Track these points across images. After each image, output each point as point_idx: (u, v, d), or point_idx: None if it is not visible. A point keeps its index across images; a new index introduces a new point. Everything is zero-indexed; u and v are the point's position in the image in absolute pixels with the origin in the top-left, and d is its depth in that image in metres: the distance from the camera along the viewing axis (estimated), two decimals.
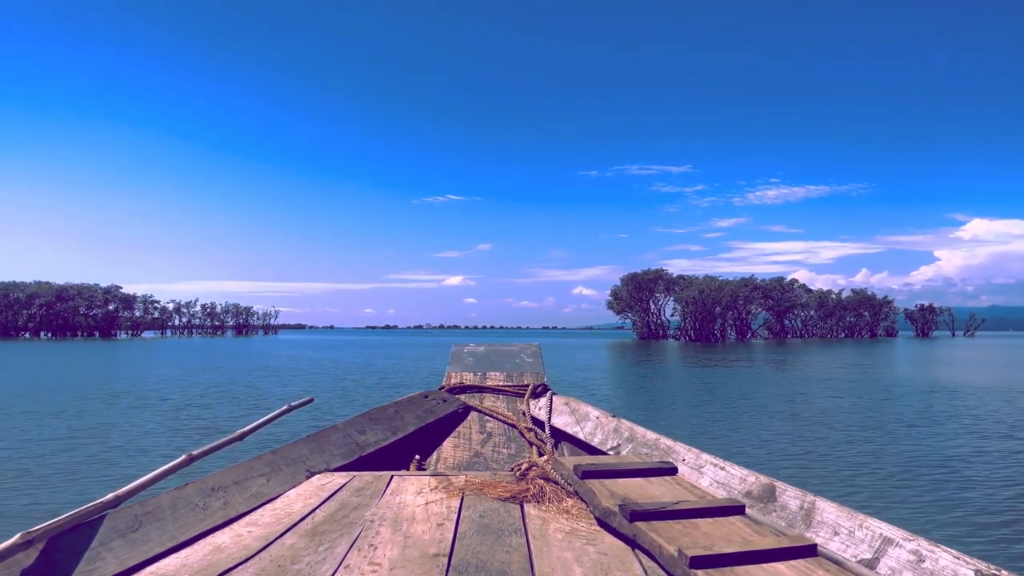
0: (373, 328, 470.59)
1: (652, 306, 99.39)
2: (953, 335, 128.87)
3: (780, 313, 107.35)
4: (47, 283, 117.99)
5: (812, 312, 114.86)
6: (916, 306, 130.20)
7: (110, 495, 1.90)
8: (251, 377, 21.41)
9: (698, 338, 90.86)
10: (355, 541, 1.68)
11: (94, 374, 23.11)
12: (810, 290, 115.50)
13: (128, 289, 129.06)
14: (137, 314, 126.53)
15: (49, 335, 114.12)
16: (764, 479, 2.06)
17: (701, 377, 21.28)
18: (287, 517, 1.94)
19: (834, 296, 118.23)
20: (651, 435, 2.70)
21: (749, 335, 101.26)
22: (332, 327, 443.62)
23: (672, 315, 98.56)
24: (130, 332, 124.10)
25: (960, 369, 26.28)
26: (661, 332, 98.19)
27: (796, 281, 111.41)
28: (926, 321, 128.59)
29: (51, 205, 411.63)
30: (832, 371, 23.99)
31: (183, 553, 1.74)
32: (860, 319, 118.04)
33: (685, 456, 2.41)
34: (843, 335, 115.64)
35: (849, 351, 46.60)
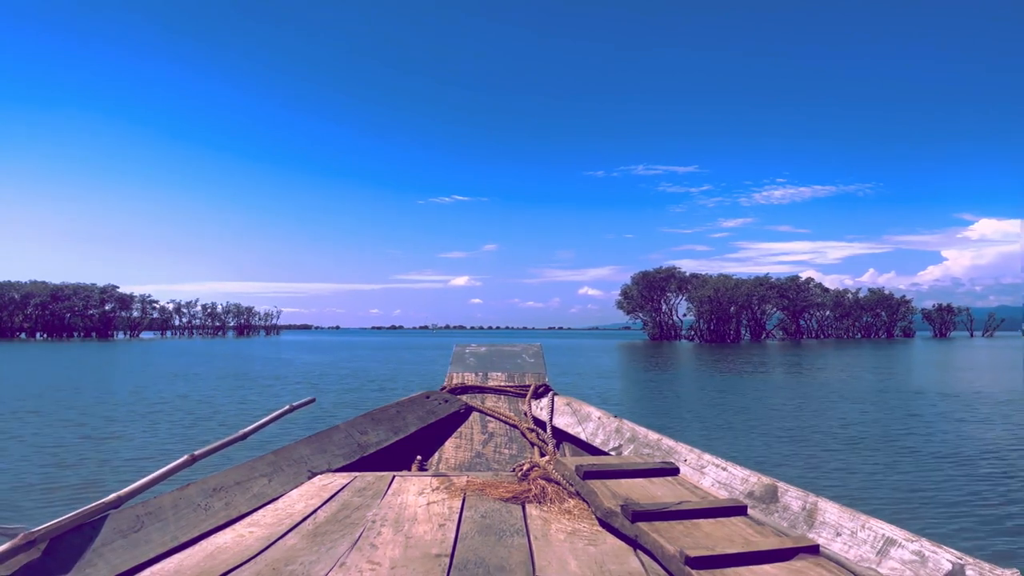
0: (379, 328, 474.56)
1: (664, 306, 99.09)
2: (972, 335, 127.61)
3: (796, 313, 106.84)
4: (42, 283, 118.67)
5: (828, 312, 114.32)
6: (934, 306, 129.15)
7: (112, 495, 1.95)
8: (213, 390, 17.67)
9: (713, 339, 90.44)
10: (357, 541, 1.70)
11: (28, 384, 19.65)
12: (827, 289, 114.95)
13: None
14: (135, 314, 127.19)
15: (44, 336, 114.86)
16: (766, 479, 2.09)
17: (751, 391, 17.80)
18: (289, 518, 1.97)
19: (851, 296, 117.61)
20: (653, 436, 2.74)
21: (764, 335, 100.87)
22: (338, 327, 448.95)
23: (685, 315, 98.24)
24: (127, 333, 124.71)
25: (1001, 374, 24.21)
26: (673, 332, 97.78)
27: (812, 280, 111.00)
28: (944, 321, 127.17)
29: (53, 205, 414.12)
30: (881, 379, 21.54)
31: (185, 553, 1.77)
32: (877, 319, 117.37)
33: (687, 457, 2.44)
34: (859, 335, 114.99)
35: (875, 353, 44.66)
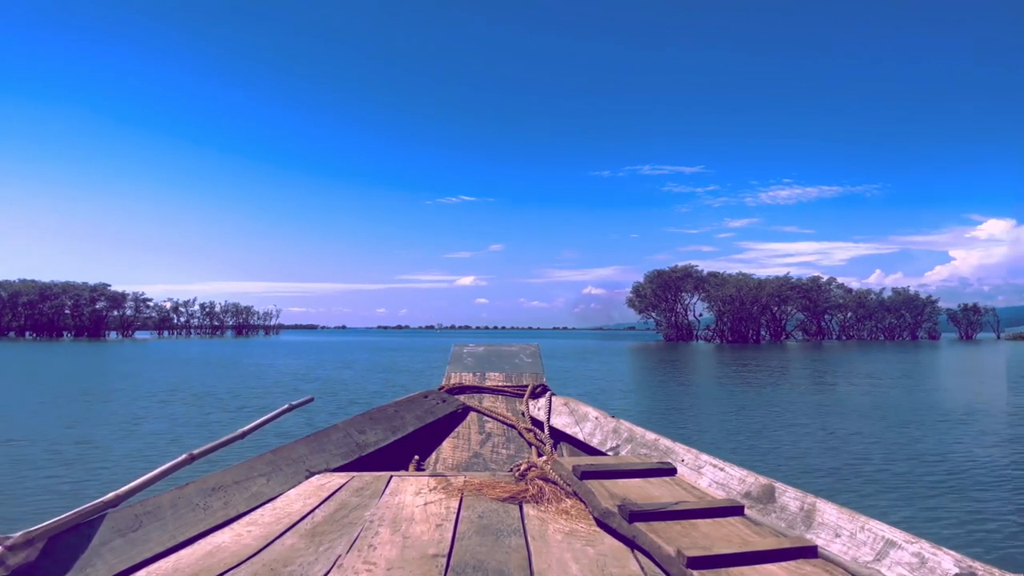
0: (385, 328, 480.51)
1: (679, 305, 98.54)
2: (998, 337, 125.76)
3: (817, 314, 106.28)
4: (32, 281, 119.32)
5: (850, 313, 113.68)
6: (959, 306, 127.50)
7: (110, 494, 1.99)
8: (77, 429, 12.40)
9: (734, 340, 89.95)
10: (354, 541, 1.75)
11: None
12: (850, 290, 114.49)
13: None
14: (128, 313, 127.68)
15: (33, 336, 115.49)
16: (763, 480, 2.13)
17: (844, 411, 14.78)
18: (287, 517, 2.03)
19: (874, 296, 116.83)
20: (650, 435, 2.80)
21: (784, 337, 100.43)
22: (344, 327, 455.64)
23: (701, 315, 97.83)
24: (120, 332, 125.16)
25: None
26: (688, 333, 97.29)
27: (834, 280, 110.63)
28: (970, 322, 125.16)
29: (52, 204, 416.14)
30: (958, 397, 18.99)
31: (183, 553, 1.83)
32: (901, 320, 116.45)
33: (684, 457, 2.50)
34: (882, 337, 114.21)
35: (915, 358, 42.19)
